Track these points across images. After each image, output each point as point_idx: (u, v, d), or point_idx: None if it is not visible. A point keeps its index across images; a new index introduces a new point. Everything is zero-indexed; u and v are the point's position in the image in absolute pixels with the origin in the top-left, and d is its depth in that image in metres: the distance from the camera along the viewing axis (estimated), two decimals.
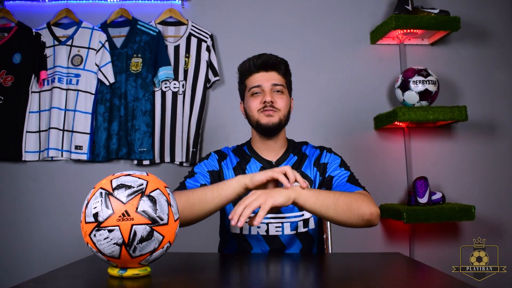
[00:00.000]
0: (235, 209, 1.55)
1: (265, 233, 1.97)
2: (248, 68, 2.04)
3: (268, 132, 2.02)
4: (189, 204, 1.74)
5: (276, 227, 1.96)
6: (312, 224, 2.01)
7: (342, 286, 1.36)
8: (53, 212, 3.21)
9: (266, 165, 2.05)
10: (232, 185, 1.71)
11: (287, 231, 1.97)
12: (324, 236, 2.22)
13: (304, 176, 2.03)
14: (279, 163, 2.06)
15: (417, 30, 3.27)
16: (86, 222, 1.28)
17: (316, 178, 2.03)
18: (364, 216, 1.72)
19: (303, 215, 1.97)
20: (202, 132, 3.30)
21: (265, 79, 2.01)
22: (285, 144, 2.11)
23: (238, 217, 1.53)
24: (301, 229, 1.99)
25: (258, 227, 1.96)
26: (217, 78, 3.29)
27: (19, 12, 3.29)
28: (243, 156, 2.10)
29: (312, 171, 2.05)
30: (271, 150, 2.08)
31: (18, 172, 3.22)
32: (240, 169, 2.05)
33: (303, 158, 2.08)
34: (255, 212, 1.56)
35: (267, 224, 1.97)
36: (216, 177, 2.03)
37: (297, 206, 1.67)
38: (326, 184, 1.99)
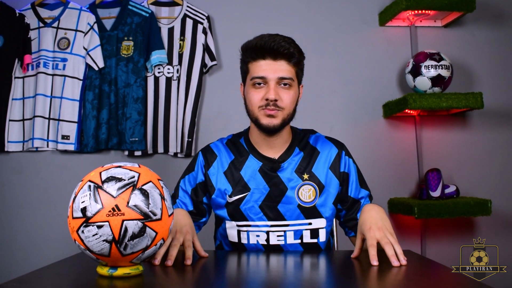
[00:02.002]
0: (373, 253, 1.58)
1: (265, 242, 1.90)
2: (253, 51, 1.85)
3: (268, 132, 1.88)
4: None
5: (277, 235, 1.89)
6: (323, 236, 1.93)
7: (349, 285, 1.35)
8: (37, 206, 3.21)
9: (267, 163, 1.93)
10: None
11: (290, 240, 1.90)
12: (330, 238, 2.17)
13: (315, 179, 1.93)
14: (282, 160, 1.93)
15: (429, 11, 3.25)
16: (73, 218, 1.28)
17: (330, 185, 1.94)
18: None
19: (310, 223, 1.90)
20: (198, 120, 3.29)
21: (272, 70, 1.82)
22: (289, 138, 1.98)
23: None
24: (308, 239, 1.91)
25: (258, 235, 1.91)
26: (214, 62, 3.28)
27: None
28: (240, 152, 1.98)
29: (325, 174, 1.94)
30: (272, 146, 1.94)
31: (0, 163, 3.21)
32: (234, 171, 1.95)
33: (313, 155, 1.96)
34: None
35: (267, 232, 1.90)
36: (200, 192, 1.98)
37: None
38: (350, 206, 1.98)
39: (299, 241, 1.90)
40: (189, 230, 1.68)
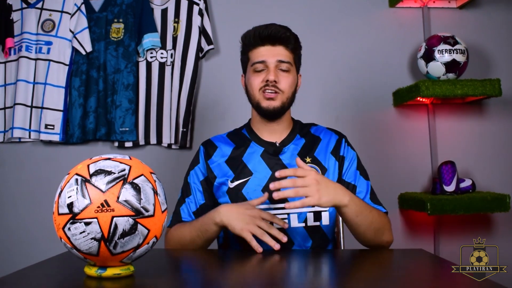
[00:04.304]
0: (280, 182, 1.71)
1: None
2: (252, 39, 2.04)
3: (269, 116, 2.05)
4: (183, 246, 1.95)
5: (281, 218, 1.93)
6: (326, 220, 2.01)
7: (357, 285, 1.35)
8: (20, 202, 3.21)
9: (269, 148, 2.06)
10: (210, 227, 1.87)
11: (294, 223, 1.97)
12: (336, 230, 2.20)
13: (317, 162, 2.04)
14: (284, 144, 2.07)
15: None
16: (59, 214, 1.27)
17: (332, 168, 2.05)
18: (382, 243, 1.93)
19: (313, 206, 1.92)
20: (193, 109, 3.28)
21: (271, 54, 2.01)
22: (290, 125, 2.15)
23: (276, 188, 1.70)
24: (312, 222, 1.98)
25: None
26: (211, 46, 3.27)
27: None
28: (242, 140, 2.13)
29: (327, 158, 2.07)
30: (274, 132, 2.11)
31: None
32: (236, 158, 2.07)
33: (315, 142, 2.10)
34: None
35: None
36: (209, 183, 2.08)
37: (337, 209, 1.82)
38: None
39: (303, 224, 1.98)
40: (260, 211, 1.84)
